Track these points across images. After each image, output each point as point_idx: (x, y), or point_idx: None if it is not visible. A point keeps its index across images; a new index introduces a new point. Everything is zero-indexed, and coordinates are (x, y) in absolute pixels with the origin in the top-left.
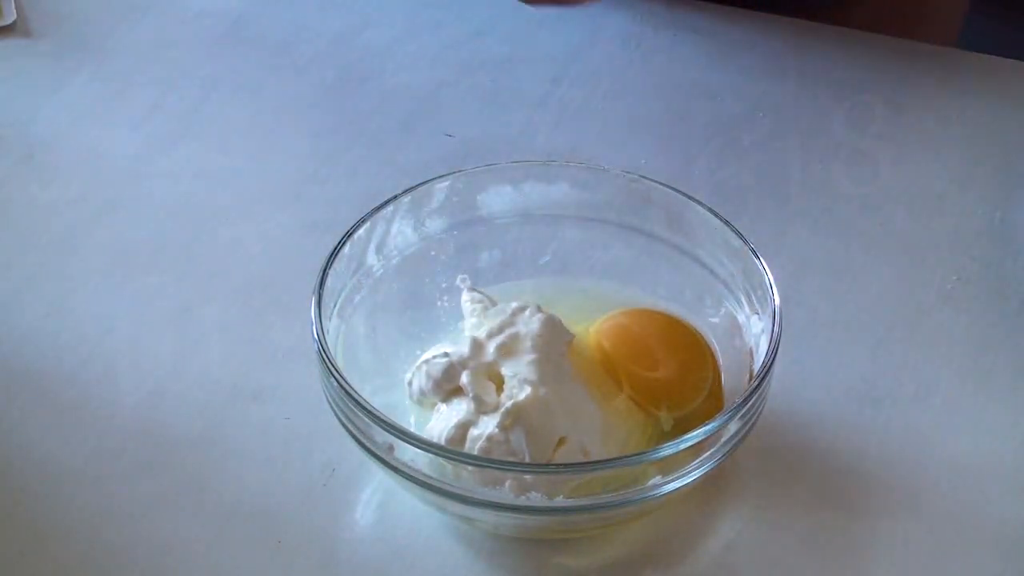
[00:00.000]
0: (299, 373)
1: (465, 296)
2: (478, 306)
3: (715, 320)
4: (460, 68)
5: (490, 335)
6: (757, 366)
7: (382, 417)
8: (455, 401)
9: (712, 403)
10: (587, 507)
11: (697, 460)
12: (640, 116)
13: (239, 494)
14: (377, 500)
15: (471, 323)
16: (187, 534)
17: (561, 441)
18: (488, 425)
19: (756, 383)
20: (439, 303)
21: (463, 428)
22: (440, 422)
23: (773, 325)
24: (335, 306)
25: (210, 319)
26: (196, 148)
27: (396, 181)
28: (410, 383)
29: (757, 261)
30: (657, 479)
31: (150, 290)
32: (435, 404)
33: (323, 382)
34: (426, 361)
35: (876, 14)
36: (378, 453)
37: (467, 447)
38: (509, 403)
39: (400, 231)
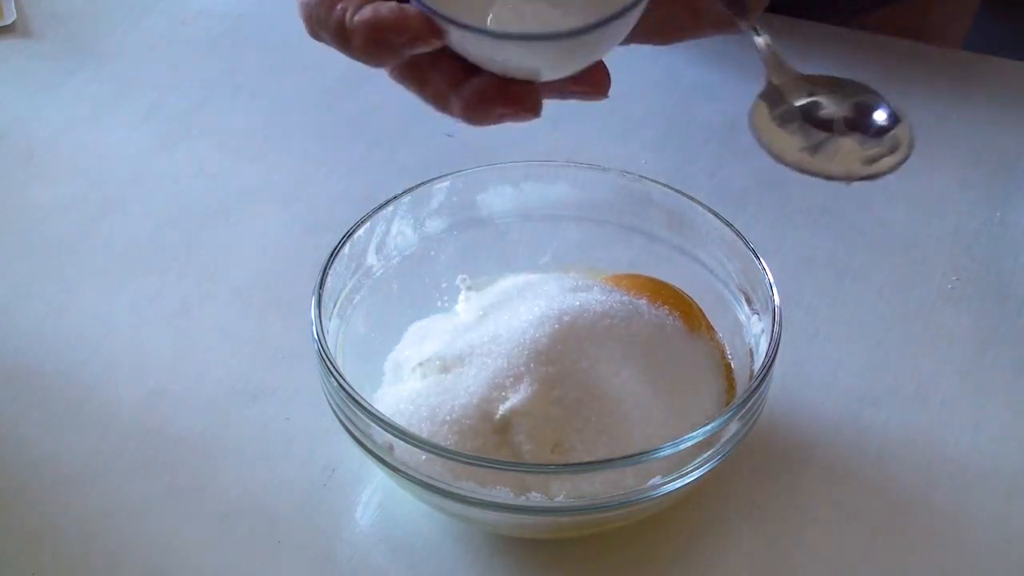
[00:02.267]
0: (299, 373)
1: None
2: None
3: (715, 320)
4: None
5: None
6: (757, 366)
7: (382, 417)
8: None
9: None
10: (587, 507)
11: (697, 460)
12: (640, 116)
13: (239, 494)
14: (377, 500)
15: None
16: (187, 534)
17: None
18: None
19: (756, 383)
20: (439, 303)
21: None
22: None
23: (773, 325)
24: (335, 306)
25: (210, 319)
26: (196, 148)
27: (396, 181)
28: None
29: (757, 261)
30: (657, 479)
31: (150, 290)
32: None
33: (323, 382)
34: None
35: (883, 24)
36: (378, 453)
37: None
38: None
39: (400, 231)
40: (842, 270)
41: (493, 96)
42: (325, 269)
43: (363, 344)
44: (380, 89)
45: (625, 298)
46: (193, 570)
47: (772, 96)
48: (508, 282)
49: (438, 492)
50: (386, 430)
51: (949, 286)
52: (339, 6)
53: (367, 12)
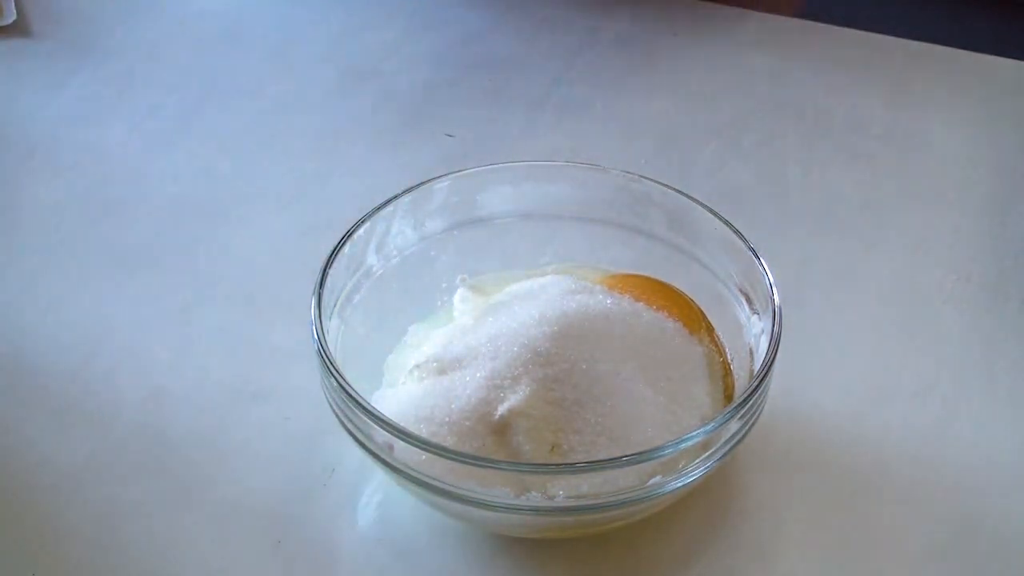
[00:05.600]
0: (299, 373)
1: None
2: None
3: (715, 320)
4: (460, 68)
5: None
6: (757, 366)
7: (382, 417)
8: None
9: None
10: (587, 507)
11: (697, 460)
12: (640, 116)
13: (239, 494)
14: (377, 500)
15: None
16: (187, 534)
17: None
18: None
19: (756, 383)
20: (439, 303)
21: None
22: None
23: (773, 325)
24: (335, 306)
25: (210, 319)
26: (196, 148)
27: (396, 181)
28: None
29: (757, 261)
30: (657, 479)
31: (150, 290)
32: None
33: (323, 382)
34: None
35: None
36: (378, 453)
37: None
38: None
39: (400, 231)
40: (842, 270)
41: None
42: (325, 269)
43: (363, 344)
44: (380, 89)
45: (625, 299)
46: (193, 570)
47: None
48: (507, 286)
49: (438, 492)
50: (386, 430)
51: (949, 286)
52: None
53: None
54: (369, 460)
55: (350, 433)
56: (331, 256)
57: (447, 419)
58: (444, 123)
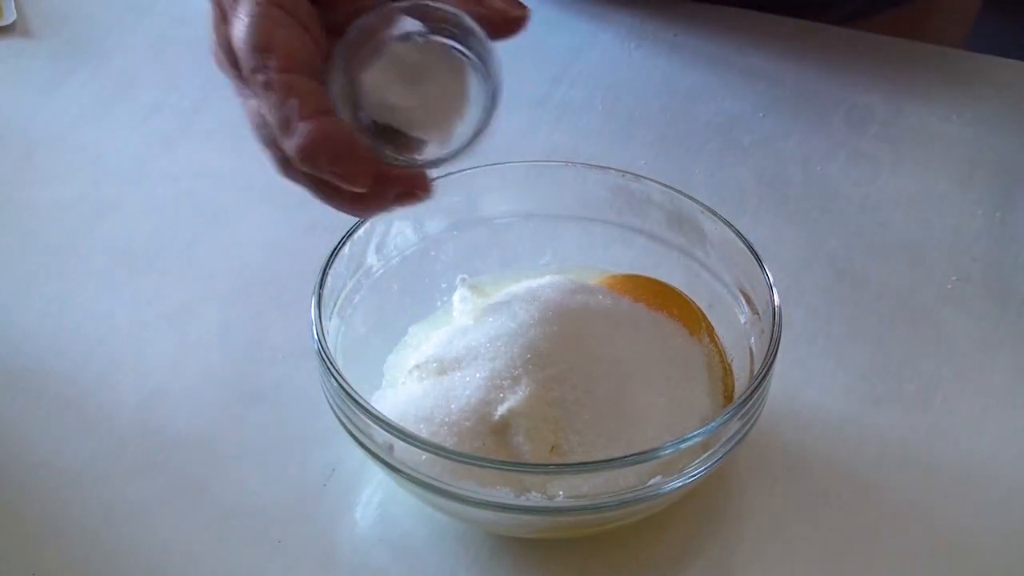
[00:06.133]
0: (299, 373)
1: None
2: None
3: (715, 320)
4: None
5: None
6: (757, 366)
7: (382, 417)
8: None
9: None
10: (587, 507)
11: (697, 460)
12: (640, 116)
13: (239, 494)
14: (377, 500)
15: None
16: (187, 534)
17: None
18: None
19: (756, 383)
20: (439, 303)
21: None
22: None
23: (773, 325)
24: (335, 306)
25: (210, 319)
26: (196, 148)
27: None
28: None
29: (757, 261)
30: (657, 479)
31: (150, 290)
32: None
33: (323, 382)
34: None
35: (879, 29)
36: (378, 453)
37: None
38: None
39: (400, 231)
40: (842, 270)
41: (388, 180)
42: (325, 269)
43: (363, 344)
44: None
45: (624, 300)
46: (193, 570)
47: None
48: (507, 286)
49: (438, 492)
50: (386, 430)
51: (949, 286)
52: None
53: (318, 128)
54: (369, 460)
55: (350, 433)
56: (331, 256)
57: (447, 419)
58: None
